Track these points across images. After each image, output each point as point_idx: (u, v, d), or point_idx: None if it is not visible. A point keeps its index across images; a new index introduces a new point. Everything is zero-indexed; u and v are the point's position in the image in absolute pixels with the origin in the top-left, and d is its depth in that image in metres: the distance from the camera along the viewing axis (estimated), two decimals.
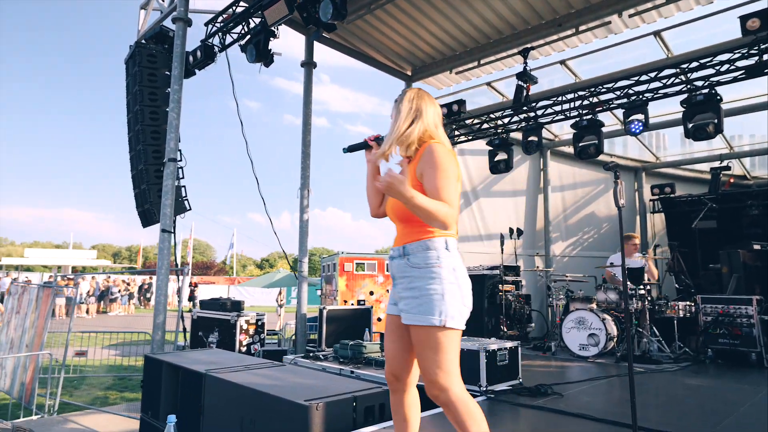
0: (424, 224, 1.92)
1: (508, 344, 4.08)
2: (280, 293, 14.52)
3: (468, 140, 8.41)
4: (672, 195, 9.69)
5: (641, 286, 5.90)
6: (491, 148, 7.96)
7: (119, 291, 21.34)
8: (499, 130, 8.10)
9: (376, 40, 7.54)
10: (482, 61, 7.79)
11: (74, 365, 7.36)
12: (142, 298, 24.37)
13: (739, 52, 5.70)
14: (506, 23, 7.01)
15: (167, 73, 6.51)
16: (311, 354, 5.64)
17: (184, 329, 6.40)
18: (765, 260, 6.57)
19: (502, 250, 7.32)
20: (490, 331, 6.60)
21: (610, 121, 8.34)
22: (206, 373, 3.61)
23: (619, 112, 7.13)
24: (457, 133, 8.45)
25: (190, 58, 6.42)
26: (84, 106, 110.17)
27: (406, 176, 1.94)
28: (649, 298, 5.96)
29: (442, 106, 8.00)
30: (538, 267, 8.91)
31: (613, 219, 10.13)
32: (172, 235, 5.86)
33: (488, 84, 8.43)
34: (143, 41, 6.87)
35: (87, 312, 19.02)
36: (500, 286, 6.94)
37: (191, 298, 17.82)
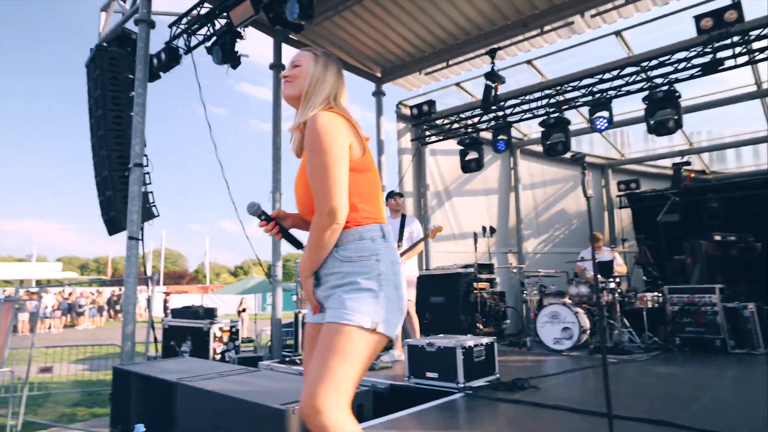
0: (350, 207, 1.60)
1: (485, 340, 4.10)
2: (241, 302, 14.41)
3: (439, 140, 8.48)
4: (637, 190, 9.99)
5: (611, 279, 6.04)
6: (462, 148, 8.03)
7: (87, 304, 20.63)
8: (469, 130, 8.18)
9: (345, 41, 7.52)
10: (451, 62, 7.86)
11: (39, 382, 7.05)
12: (111, 310, 23.63)
13: (695, 51, 5.93)
14: (473, 24, 7.09)
15: (130, 76, 6.34)
16: (287, 359, 5.56)
17: (155, 339, 6.22)
18: (725, 250, 6.82)
19: (476, 248, 7.38)
20: (466, 329, 6.63)
21: (576, 119, 8.53)
22: (178, 382, 3.52)
23: (585, 110, 7.30)
24: (428, 133, 8.50)
25: (154, 61, 6.27)
26: (41, 111, 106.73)
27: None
28: (619, 291, 6.10)
29: (412, 107, 8.07)
30: (511, 264, 9.02)
31: (582, 215, 10.36)
32: (140, 242, 5.70)
33: (457, 84, 8.52)
34: (105, 44, 6.68)
35: (50, 327, 18.25)
36: (475, 284, 6.99)
37: (165, 308, 17.37)
